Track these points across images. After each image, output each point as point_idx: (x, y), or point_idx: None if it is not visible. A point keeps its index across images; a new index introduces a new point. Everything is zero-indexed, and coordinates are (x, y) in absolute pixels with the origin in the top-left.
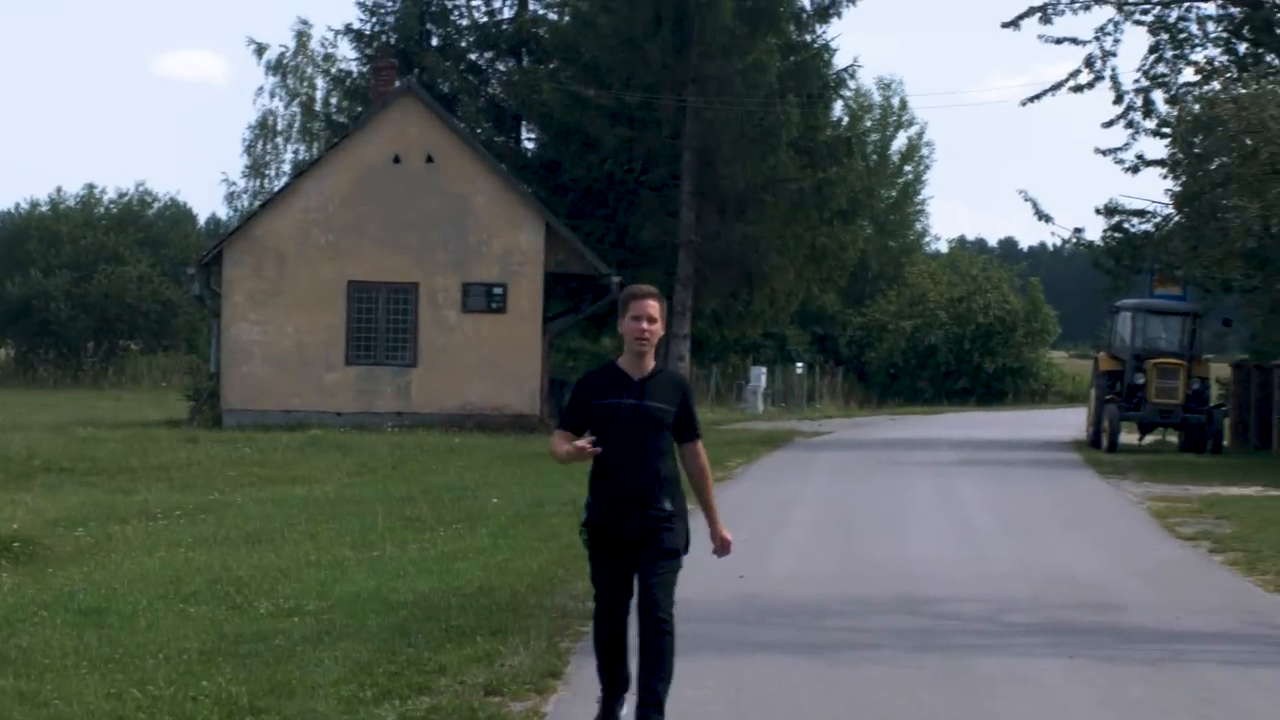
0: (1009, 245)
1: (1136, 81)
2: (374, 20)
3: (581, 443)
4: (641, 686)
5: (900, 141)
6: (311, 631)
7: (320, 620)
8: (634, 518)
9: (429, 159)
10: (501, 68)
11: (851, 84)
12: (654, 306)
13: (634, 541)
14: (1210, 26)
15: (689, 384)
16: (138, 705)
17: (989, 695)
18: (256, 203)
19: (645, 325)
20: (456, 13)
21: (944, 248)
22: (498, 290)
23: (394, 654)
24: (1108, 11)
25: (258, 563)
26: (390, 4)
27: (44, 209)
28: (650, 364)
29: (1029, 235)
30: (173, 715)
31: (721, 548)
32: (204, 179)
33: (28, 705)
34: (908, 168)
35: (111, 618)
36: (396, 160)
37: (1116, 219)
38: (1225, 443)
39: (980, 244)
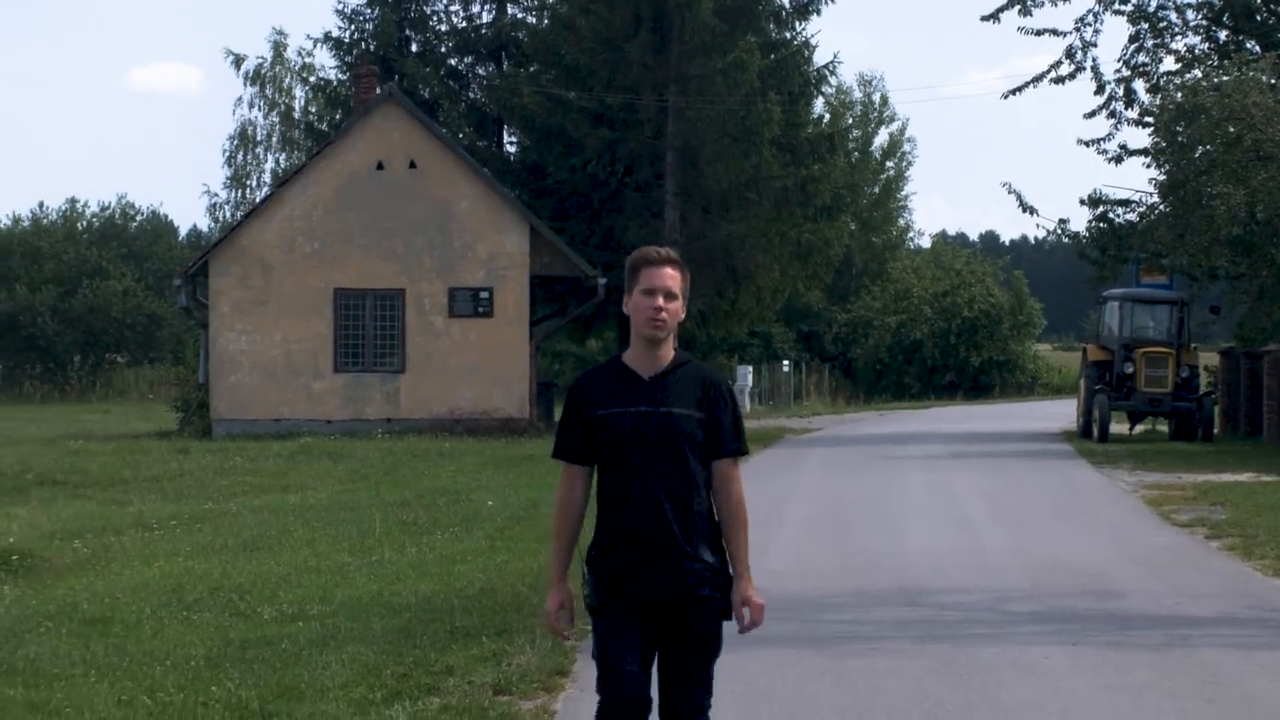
0: (990, 239)
1: (1118, 71)
2: (353, 28)
3: (557, 624)
4: None
5: (882, 137)
6: (317, 636)
7: (324, 624)
8: (660, 574)
9: (412, 165)
10: (482, 72)
11: (832, 81)
12: (672, 276)
13: (662, 607)
14: (1190, 15)
15: (723, 380)
16: (149, 712)
17: (995, 683)
18: (239, 213)
19: (661, 301)
20: (435, 18)
21: (927, 243)
22: (484, 294)
23: (400, 656)
24: (1087, 2)
25: (257, 570)
26: (369, 11)
27: (26, 224)
28: (668, 356)
29: (1010, 229)
30: None
31: (751, 617)
32: (185, 191)
33: (39, 715)
34: (890, 164)
35: (116, 627)
36: (380, 167)
37: (1101, 209)
38: (1215, 430)
39: (962, 238)
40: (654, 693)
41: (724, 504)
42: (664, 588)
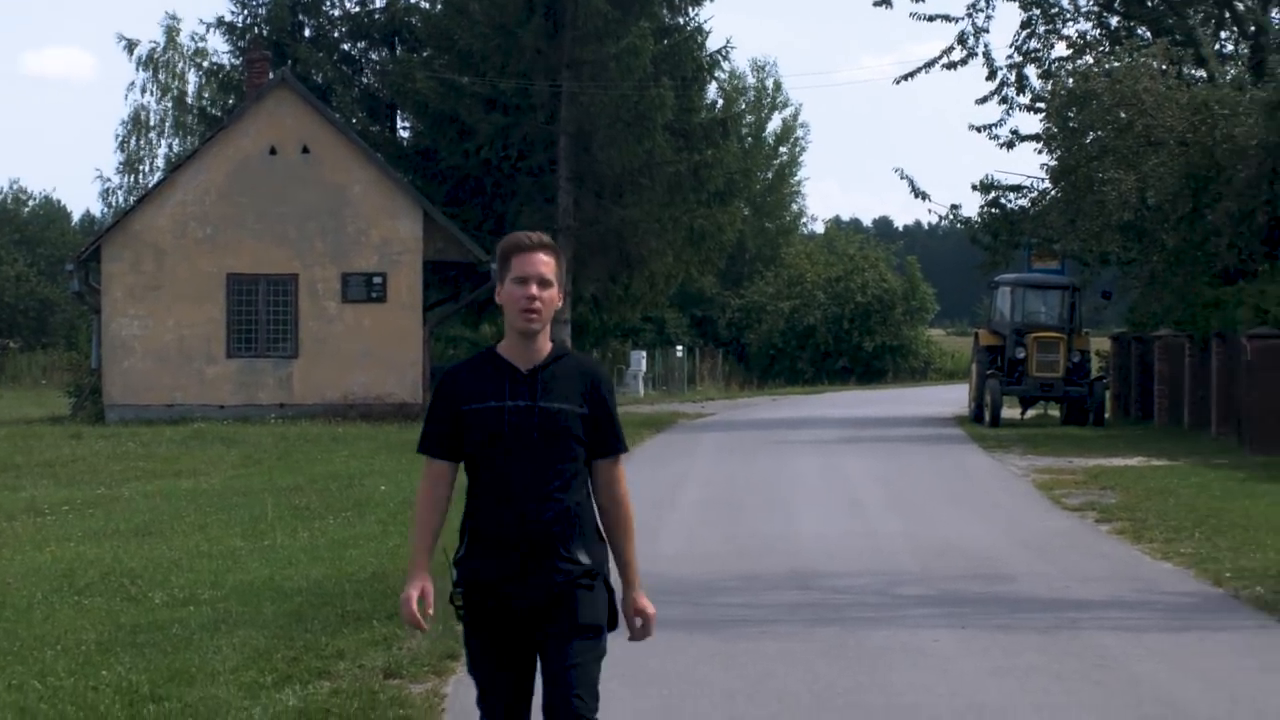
0: (884, 224)
1: (1009, 57)
2: (245, 12)
3: (416, 613)
4: None
5: (775, 123)
6: (208, 620)
7: (215, 609)
8: (533, 577)
9: (305, 150)
10: (375, 57)
11: (725, 66)
12: (546, 262)
13: (534, 612)
14: (1082, 1)
15: (603, 373)
16: (39, 696)
17: (885, 667)
18: (132, 199)
19: (535, 290)
20: (328, 3)
21: (820, 228)
22: (377, 280)
23: (291, 640)
24: None
25: (149, 554)
26: None
27: None
28: (545, 348)
29: (904, 214)
30: (75, 705)
31: (640, 626)
32: (78, 176)
33: None
34: (783, 149)
35: (6, 611)
36: (273, 152)
37: (993, 195)
38: (1107, 415)
39: (855, 224)
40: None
41: (610, 506)
42: (537, 591)
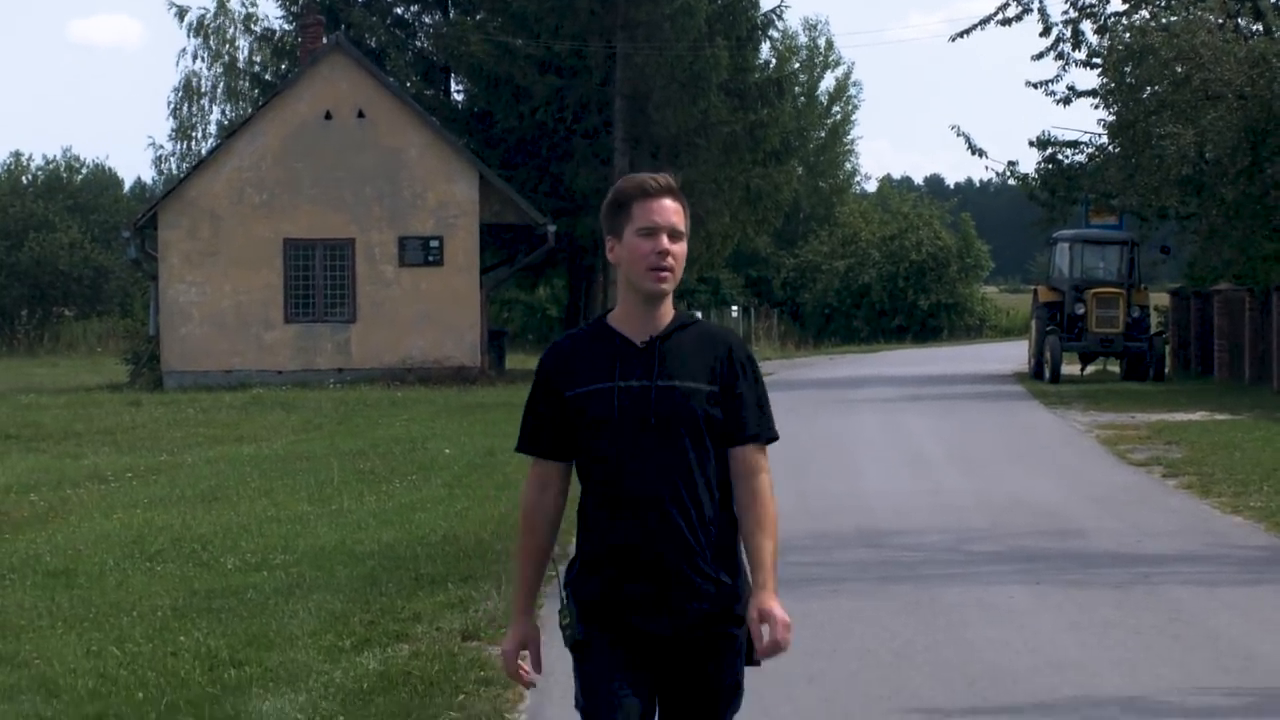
0: (935, 182)
1: (1065, 13)
2: None
3: (524, 667)
4: None
5: (828, 82)
6: (282, 585)
7: (289, 574)
8: (662, 601)
9: (360, 114)
10: (428, 20)
11: (779, 25)
12: (675, 210)
13: (671, 643)
14: None
15: (740, 343)
16: (119, 662)
17: (961, 623)
18: (185, 165)
19: (665, 243)
20: None
21: (873, 187)
22: (434, 243)
23: (367, 604)
24: None
25: (217, 520)
26: None
27: None
28: (668, 315)
29: (955, 172)
30: (155, 670)
31: (771, 635)
32: (130, 143)
33: (7, 666)
34: (835, 108)
35: (80, 578)
36: (328, 117)
37: (1050, 151)
38: (1167, 370)
39: (907, 182)
40: None
41: (748, 502)
42: (670, 618)
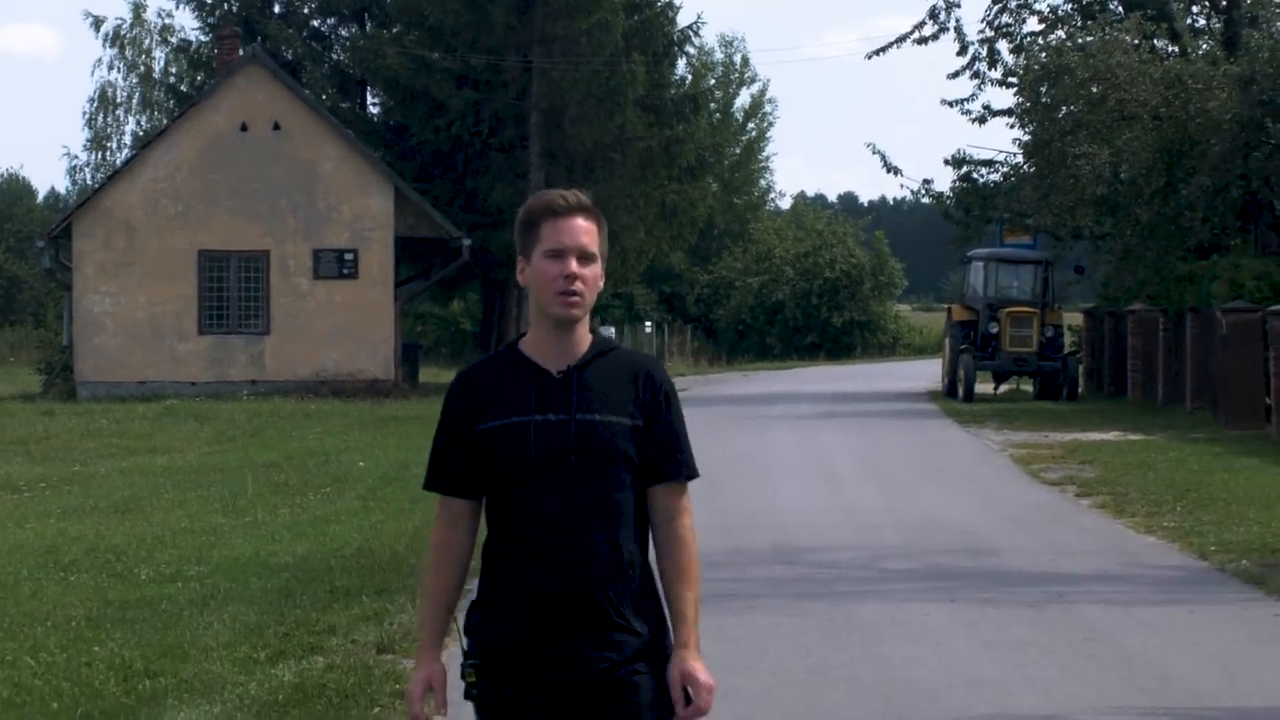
0: (849, 200)
1: (981, 32)
2: None
3: (421, 713)
4: None
5: (744, 99)
6: (196, 596)
7: (204, 585)
8: (576, 651)
9: (276, 127)
10: (345, 33)
11: (695, 41)
12: (587, 230)
13: (576, 695)
14: None
15: (662, 373)
16: (33, 672)
17: (876, 640)
18: (99, 176)
19: (574, 266)
20: None
21: (787, 204)
22: (349, 256)
23: (282, 616)
24: None
25: (131, 531)
26: None
27: None
28: (584, 342)
29: (869, 189)
30: (69, 680)
31: (693, 707)
32: (44, 153)
33: None
34: (751, 125)
35: None
36: (244, 129)
37: (965, 169)
38: (1080, 390)
39: (821, 199)
40: None
41: (670, 548)
42: (583, 670)
